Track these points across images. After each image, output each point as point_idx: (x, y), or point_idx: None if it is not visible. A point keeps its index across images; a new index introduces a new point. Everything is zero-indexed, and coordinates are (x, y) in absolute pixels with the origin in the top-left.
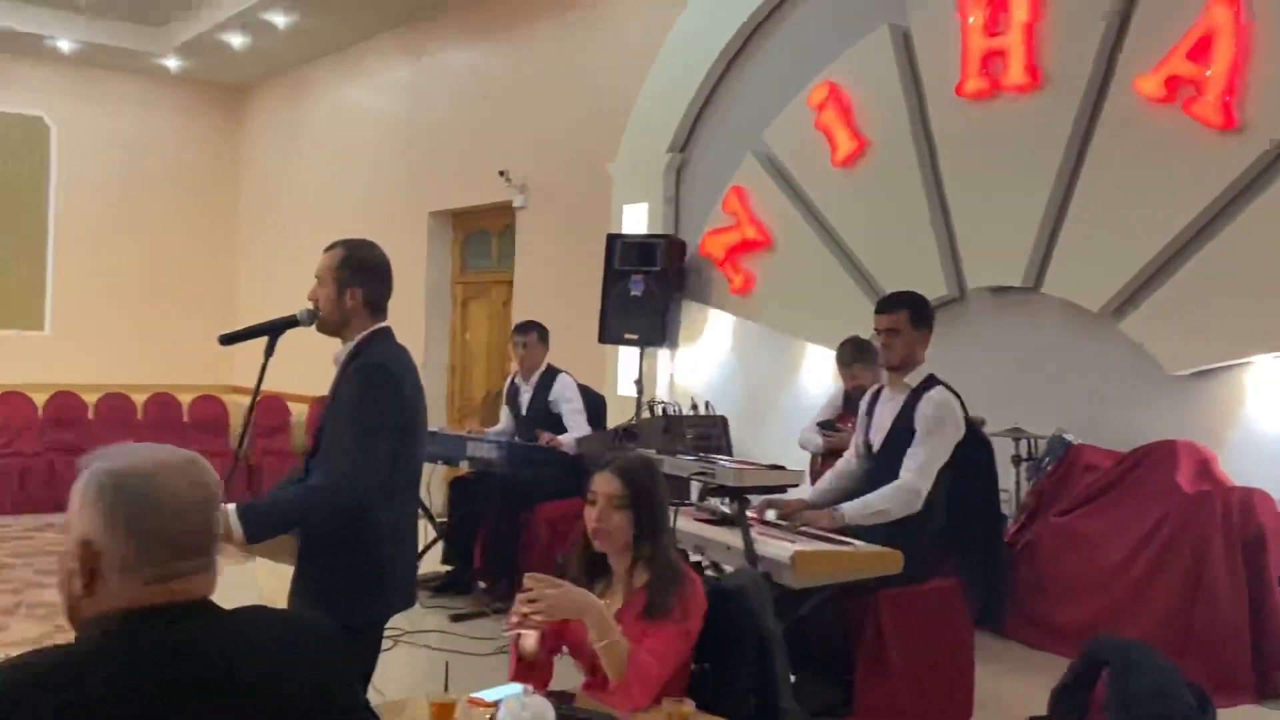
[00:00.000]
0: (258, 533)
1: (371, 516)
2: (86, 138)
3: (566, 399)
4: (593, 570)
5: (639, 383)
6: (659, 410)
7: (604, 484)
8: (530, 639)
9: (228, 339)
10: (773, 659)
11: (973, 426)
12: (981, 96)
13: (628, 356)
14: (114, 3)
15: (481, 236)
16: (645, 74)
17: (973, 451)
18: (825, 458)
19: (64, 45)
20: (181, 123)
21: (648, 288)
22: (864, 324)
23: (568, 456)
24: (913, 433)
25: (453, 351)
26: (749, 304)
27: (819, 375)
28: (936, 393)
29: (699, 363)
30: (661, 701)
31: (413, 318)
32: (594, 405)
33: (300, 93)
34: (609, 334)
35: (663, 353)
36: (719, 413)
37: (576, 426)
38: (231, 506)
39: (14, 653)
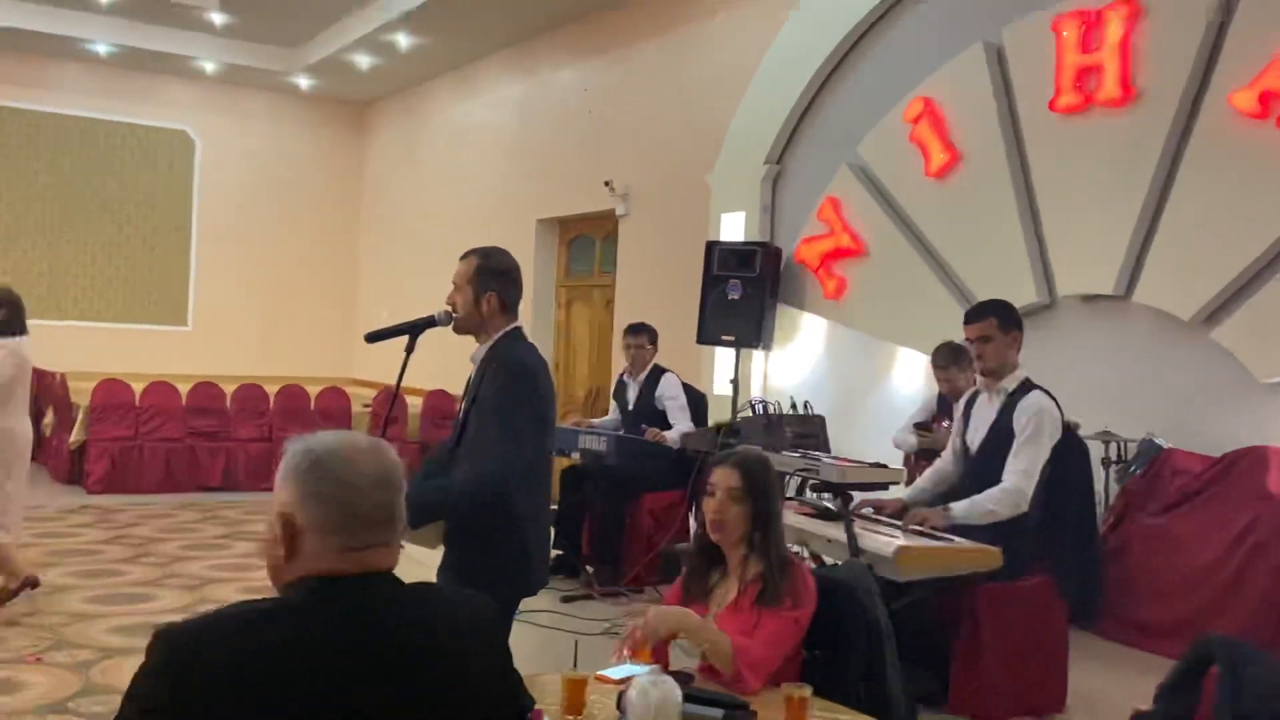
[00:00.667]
0: (417, 518)
1: (513, 504)
2: (225, 150)
3: (671, 396)
4: (709, 560)
5: (735, 382)
6: (760, 409)
7: (724, 478)
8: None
9: (373, 337)
10: (883, 648)
11: (1068, 429)
12: (1075, 111)
13: (723, 356)
14: (252, 27)
15: (585, 241)
16: (742, 91)
17: (1068, 453)
18: (919, 457)
19: (207, 66)
20: (310, 136)
21: (745, 292)
22: (955, 329)
23: (671, 450)
24: (1010, 435)
25: (557, 350)
26: (842, 308)
27: (909, 378)
28: (1034, 397)
29: (792, 364)
30: (781, 685)
31: (521, 317)
32: (696, 403)
33: (418, 108)
34: (707, 335)
35: (757, 354)
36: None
37: (680, 423)
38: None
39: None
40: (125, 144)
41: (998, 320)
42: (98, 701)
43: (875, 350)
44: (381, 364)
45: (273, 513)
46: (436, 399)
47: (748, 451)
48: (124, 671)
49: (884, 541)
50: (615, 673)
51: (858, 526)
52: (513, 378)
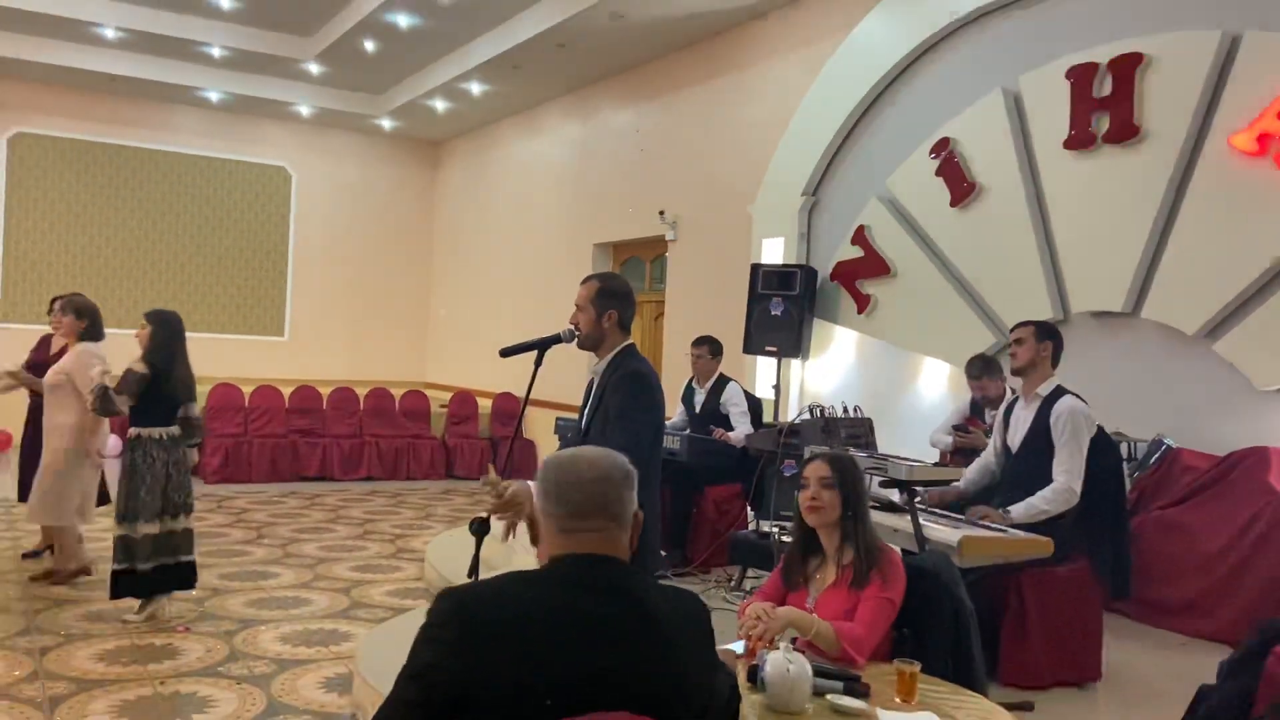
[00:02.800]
0: None
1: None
2: (318, 183)
3: (735, 403)
4: (806, 550)
5: (777, 388)
6: (817, 412)
7: (815, 470)
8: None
9: (507, 352)
10: (969, 628)
11: (1101, 428)
12: (1087, 148)
13: (763, 364)
14: (343, 76)
15: (636, 263)
16: (781, 132)
17: (1101, 449)
18: (954, 455)
19: (303, 110)
20: (391, 171)
21: (786, 308)
22: (976, 341)
23: (734, 449)
24: (1046, 436)
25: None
26: (872, 323)
27: (932, 385)
28: (1066, 401)
29: (825, 371)
30: (892, 661)
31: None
32: (755, 408)
33: (487, 147)
34: (753, 346)
35: (795, 362)
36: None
37: (742, 425)
38: (532, 482)
39: (287, 594)
40: (232, 179)
41: (1035, 329)
42: (243, 666)
43: (901, 360)
44: (450, 370)
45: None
46: (503, 401)
47: (834, 450)
48: (260, 640)
49: (948, 533)
50: (737, 646)
51: (921, 519)
52: (636, 387)
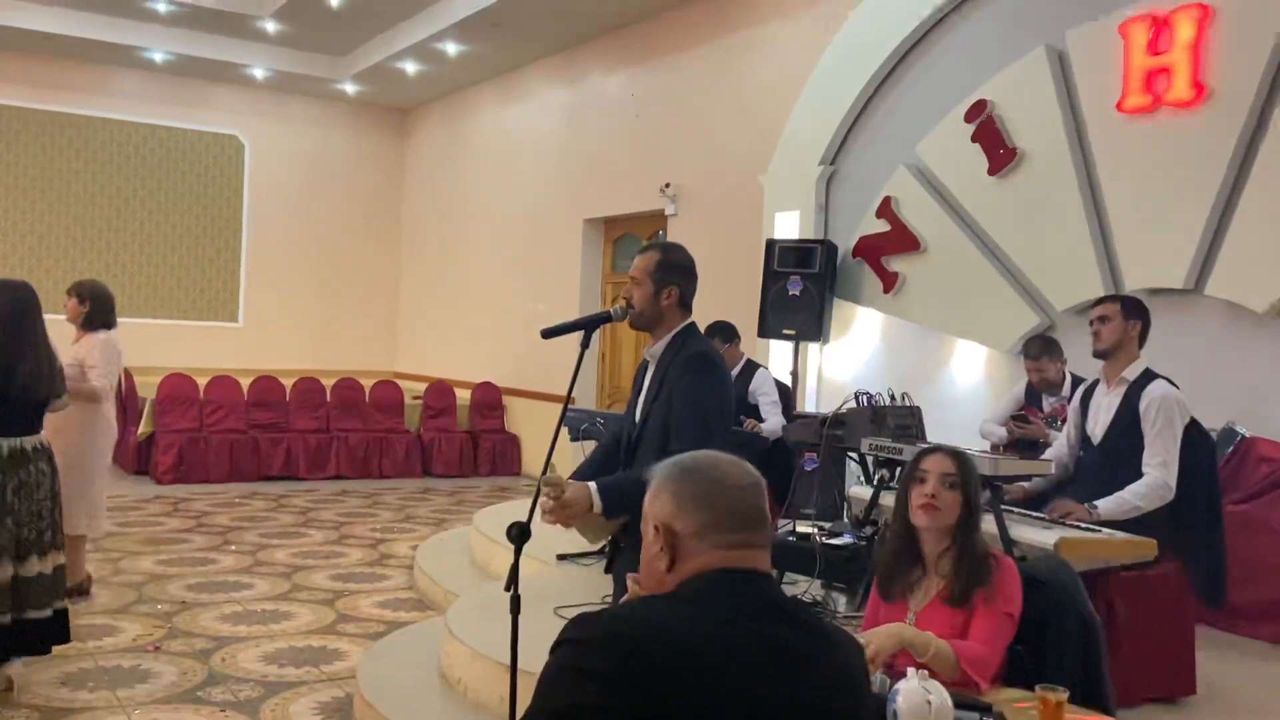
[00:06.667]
0: (614, 508)
1: None
2: (274, 154)
3: (764, 392)
4: (905, 559)
5: (794, 374)
6: (864, 400)
7: (938, 464)
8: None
9: (549, 332)
10: (1099, 645)
11: (1194, 418)
12: (1143, 111)
13: (777, 349)
14: (303, 35)
15: (630, 240)
16: (795, 94)
17: (1193, 441)
18: (1007, 449)
19: (258, 73)
20: (354, 140)
21: (805, 288)
22: (1017, 322)
23: (764, 440)
24: (1135, 424)
25: (603, 342)
26: (899, 303)
27: (968, 369)
28: (1157, 385)
29: (846, 356)
30: (1034, 688)
31: (568, 312)
32: (784, 396)
33: (463, 113)
34: (768, 329)
35: (813, 347)
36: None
37: (773, 416)
38: (593, 484)
39: (264, 607)
40: (179, 148)
41: (1121, 306)
42: (226, 690)
43: (931, 343)
44: (421, 358)
45: (648, 528)
46: (483, 392)
47: (952, 446)
48: (240, 660)
49: (1042, 534)
50: None
51: (1007, 519)
52: (703, 370)
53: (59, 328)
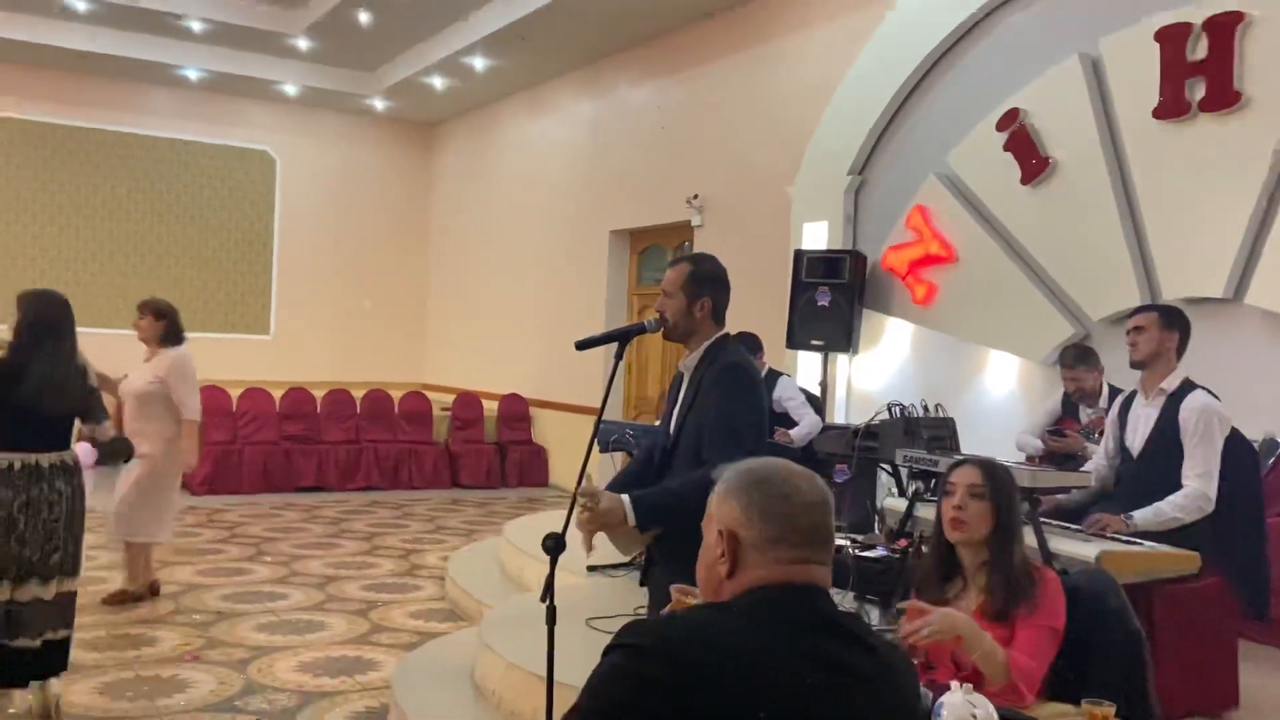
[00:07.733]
0: (647, 520)
1: None
2: (304, 169)
3: (790, 397)
4: (945, 570)
5: (823, 385)
6: (898, 411)
7: (963, 475)
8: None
9: (584, 344)
10: (1144, 661)
11: (1235, 429)
12: (1179, 117)
13: (805, 360)
14: (333, 51)
15: (656, 251)
16: (822, 105)
17: (1236, 452)
18: (1042, 461)
19: (289, 89)
20: (383, 155)
21: (834, 298)
22: (1052, 332)
23: (795, 450)
24: (1175, 436)
25: (630, 353)
26: (931, 314)
27: (1000, 381)
28: (1197, 396)
29: (876, 367)
30: (1080, 702)
31: (594, 323)
32: (815, 404)
33: (489, 126)
34: (796, 340)
35: (842, 358)
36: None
37: (805, 420)
38: (626, 496)
39: (300, 617)
40: (212, 164)
41: (1159, 315)
42: (263, 699)
43: (963, 354)
44: (449, 370)
45: (711, 531)
46: (510, 403)
47: (985, 457)
48: (277, 669)
49: (1082, 547)
50: None
51: (1045, 531)
52: (737, 382)
53: (112, 343)
